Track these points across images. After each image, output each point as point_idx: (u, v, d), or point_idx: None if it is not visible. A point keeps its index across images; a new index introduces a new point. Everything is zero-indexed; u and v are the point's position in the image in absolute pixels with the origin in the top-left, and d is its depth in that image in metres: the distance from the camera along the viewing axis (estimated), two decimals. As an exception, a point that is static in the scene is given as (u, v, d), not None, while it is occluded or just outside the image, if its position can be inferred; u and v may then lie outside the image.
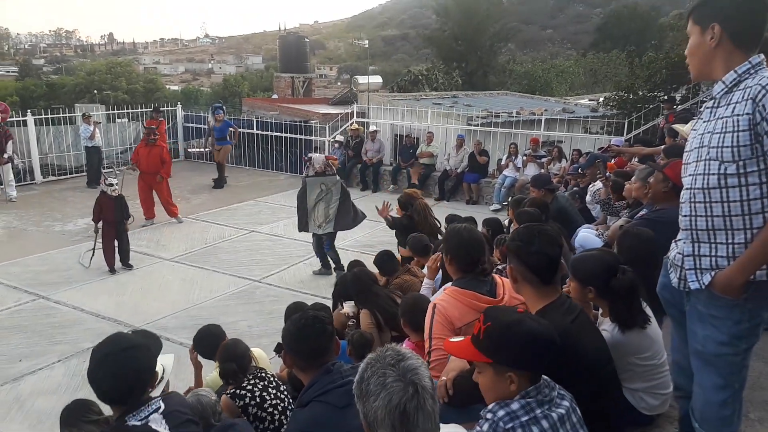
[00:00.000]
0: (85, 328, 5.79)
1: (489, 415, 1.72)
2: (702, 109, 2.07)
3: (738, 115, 1.84)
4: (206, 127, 13.72)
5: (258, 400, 2.90)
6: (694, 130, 2.06)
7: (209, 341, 3.47)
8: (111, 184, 7.22)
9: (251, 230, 9.29)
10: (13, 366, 5.03)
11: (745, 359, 2.00)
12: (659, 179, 3.65)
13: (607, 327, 2.51)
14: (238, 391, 2.93)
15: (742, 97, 1.85)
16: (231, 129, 13.11)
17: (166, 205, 9.61)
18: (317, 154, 7.69)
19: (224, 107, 14.01)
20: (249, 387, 2.95)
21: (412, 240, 4.92)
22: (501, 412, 1.70)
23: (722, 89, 1.94)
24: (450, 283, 2.72)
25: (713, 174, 1.91)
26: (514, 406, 1.70)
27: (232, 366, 3.01)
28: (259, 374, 3.05)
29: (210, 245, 8.46)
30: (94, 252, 7.35)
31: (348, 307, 3.85)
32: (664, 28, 30.57)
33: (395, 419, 1.38)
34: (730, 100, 1.90)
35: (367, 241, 8.84)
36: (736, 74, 1.90)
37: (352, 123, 13.92)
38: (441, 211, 6.85)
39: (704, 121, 2.01)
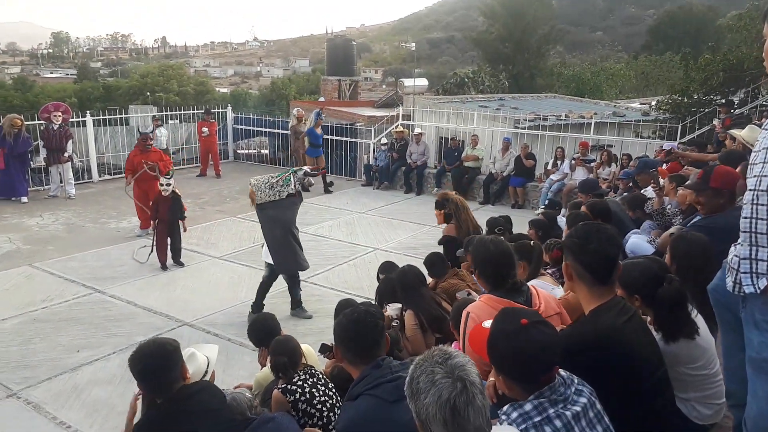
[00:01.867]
0: (138, 322, 5.99)
1: (503, 417, 1.74)
2: None
3: None
4: (289, 132, 13.56)
5: (308, 396, 2.94)
6: (766, 129, 1.99)
7: (263, 328, 3.55)
8: (162, 185, 7.45)
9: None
10: (71, 356, 5.25)
11: None
12: (711, 196, 3.52)
13: (654, 336, 2.45)
14: (289, 386, 2.98)
15: None
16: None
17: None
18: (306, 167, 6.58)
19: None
20: (299, 383, 2.99)
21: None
22: (514, 414, 1.72)
23: None
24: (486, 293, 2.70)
25: None
26: (527, 407, 1.72)
27: (283, 360, 3.06)
28: (309, 371, 3.10)
29: (257, 244, 8.61)
30: (152, 248, 7.59)
31: (391, 309, 3.86)
32: (722, 30, 29.54)
33: (446, 414, 1.41)
34: None
35: (410, 243, 8.85)
36: None
37: (397, 126, 13.96)
38: (486, 215, 6.77)
39: None
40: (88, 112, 13.10)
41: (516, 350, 1.73)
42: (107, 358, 5.25)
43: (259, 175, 6.34)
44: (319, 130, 12.46)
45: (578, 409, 1.73)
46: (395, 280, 3.93)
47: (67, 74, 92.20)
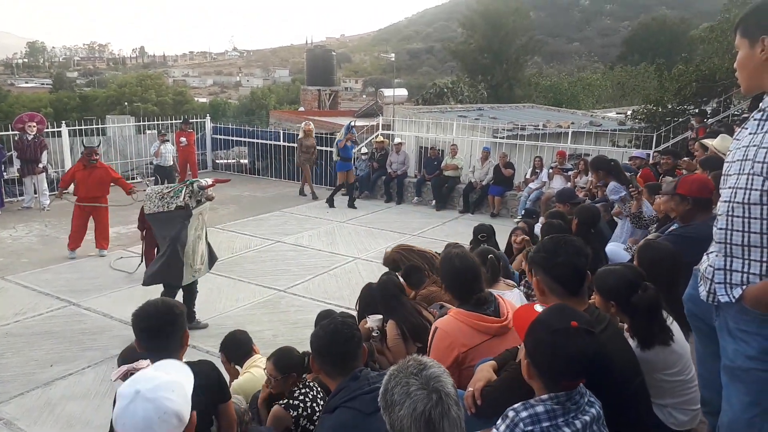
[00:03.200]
0: (113, 335, 5.88)
1: (511, 413, 1.71)
2: (749, 119, 2.02)
3: None
4: (296, 145, 13.14)
5: (309, 411, 2.85)
6: (737, 140, 2.01)
7: (236, 346, 3.50)
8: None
9: (277, 240, 9.37)
10: (44, 371, 5.13)
11: None
12: (677, 201, 3.59)
13: (630, 343, 2.48)
14: (291, 402, 2.87)
15: None
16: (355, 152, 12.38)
17: (102, 235, 8.49)
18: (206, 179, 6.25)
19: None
20: (301, 397, 2.89)
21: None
22: (524, 413, 1.69)
23: None
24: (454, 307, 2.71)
25: (755, 189, 1.86)
26: (539, 408, 1.69)
27: (293, 377, 2.95)
28: (307, 383, 3.00)
29: (236, 255, 8.56)
30: (141, 259, 7.45)
31: (372, 321, 3.82)
32: (694, 41, 30.22)
33: (421, 427, 1.39)
34: None
35: (391, 252, 8.83)
36: None
37: (377, 135, 13.99)
38: (465, 224, 6.80)
39: (750, 133, 1.95)
40: (63, 122, 12.93)
41: (552, 346, 1.70)
42: (82, 372, 5.14)
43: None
44: (349, 144, 11.99)
45: (587, 419, 1.72)
46: (375, 291, 3.91)
47: (43, 84, 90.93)
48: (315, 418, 2.84)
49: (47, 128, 11.72)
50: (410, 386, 1.43)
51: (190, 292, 6.13)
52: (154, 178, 12.10)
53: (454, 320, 2.57)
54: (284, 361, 2.98)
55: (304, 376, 3.07)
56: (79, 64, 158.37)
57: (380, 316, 3.79)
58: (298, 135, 13.11)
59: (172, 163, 12.42)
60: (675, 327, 2.52)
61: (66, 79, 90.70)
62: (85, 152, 8.36)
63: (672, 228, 3.96)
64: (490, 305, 2.63)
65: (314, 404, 2.89)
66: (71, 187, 8.47)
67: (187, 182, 6.01)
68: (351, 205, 11.88)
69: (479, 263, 2.85)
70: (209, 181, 6.10)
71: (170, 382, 1.71)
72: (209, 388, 2.33)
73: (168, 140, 12.28)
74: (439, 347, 2.52)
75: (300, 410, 2.83)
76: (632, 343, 2.46)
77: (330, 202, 11.84)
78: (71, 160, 12.69)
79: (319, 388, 3.03)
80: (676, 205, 3.60)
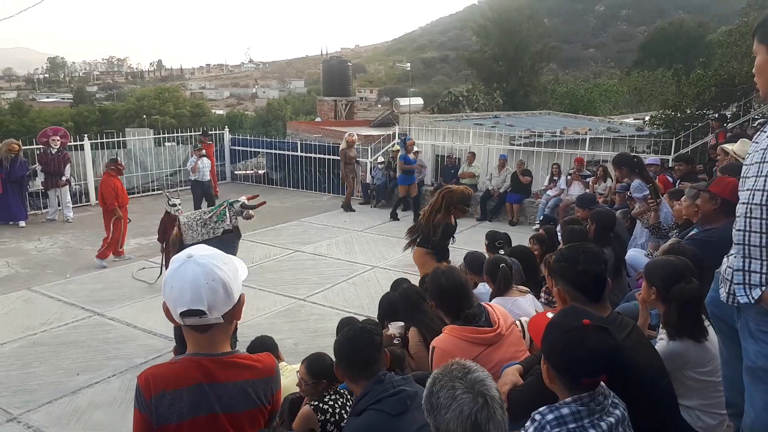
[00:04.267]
0: (138, 344, 5.97)
1: (537, 416, 1.74)
2: (767, 122, 2.04)
3: None
4: (339, 156, 12.78)
5: (337, 417, 2.87)
6: (756, 143, 2.03)
7: (263, 350, 3.54)
8: (174, 205, 7.44)
9: (296, 250, 9.44)
10: (71, 379, 5.22)
11: None
12: (706, 198, 3.59)
13: (662, 335, 2.50)
14: (321, 405, 2.89)
15: None
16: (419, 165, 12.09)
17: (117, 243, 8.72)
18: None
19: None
20: (331, 402, 2.92)
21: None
22: (550, 416, 1.71)
23: None
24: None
25: None
26: (564, 410, 1.71)
27: (324, 383, 2.98)
28: (339, 390, 3.02)
29: (256, 264, 8.62)
30: (161, 269, 7.56)
31: (393, 328, 3.85)
32: (712, 45, 29.90)
33: (467, 429, 1.41)
34: None
35: (408, 260, 8.82)
36: None
37: (394, 144, 14.05)
38: (483, 232, 6.79)
39: None
40: (85, 135, 13.16)
41: (567, 345, 1.73)
42: (107, 381, 5.22)
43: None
44: (412, 155, 11.67)
45: (612, 420, 1.74)
46: (397, 299, 3.95)
47: (64, 98, 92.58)
48: (343, 424, 2.84)
49: (70, 142, 11.94)
50: (456, 390, 1.45)
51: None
52: (191, 194, 11.65)
53: (450, 337, 2.65)
54: (316, 366, 3.02)
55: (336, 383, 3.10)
56: (98, 79, 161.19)
57: (402, 323, 3.81)
58: (339, 146, 12.91)
59: (209, 178, 11.86)
60: (711, 330, 2.52)
61: (86, 94, 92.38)
62: (118, 163, 8.84)
63: (693, 233, 3.95)
64: (480, 317, 2.71)
65: (343, 411, 2.90)
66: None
67: (227, 202, 5.65)
68: (394, 217, 11.56)
69: (466, 280, 2.93)
70: (244, 199, 5.74)
71: (225, 256, 1.73)
72: None
73: (204, 154, 11.68)
74: (439, 366, 2.57)
75: (328, 415, 2.85)
76: (662, 333, 2.48)
77: (393, 216, 11.55)
78: (93, 172, 12.92)
79: (349, 396, 3.04)
80: (704, 202, 3.59)
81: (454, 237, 6.31)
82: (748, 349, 2.00)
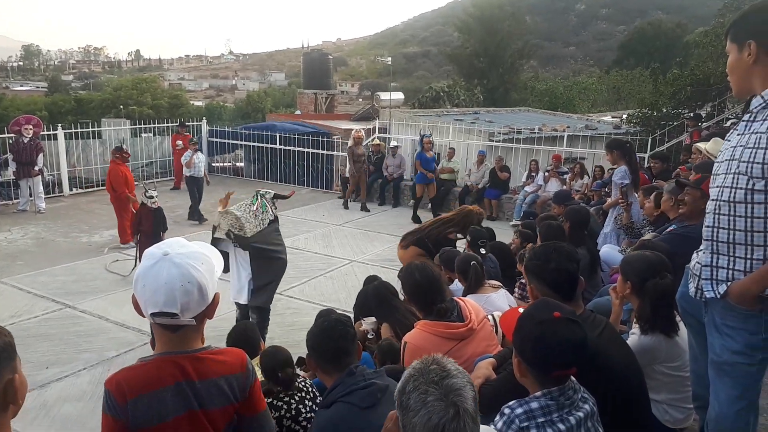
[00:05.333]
0: (109, 337, 5.88)
1: (507, 410, 1.74)
2: (739, 121, 2.07)
3: None
4: (346, 154, 12.37)
5: (293, 412, 2.83)
6: (728, 141, 2.06)
7: (243, 339, 3.48)
8: (151, 197, 7.33)
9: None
10: (40, 373, 5.12)
11: (760, 371, 2.00)
12: (697, 196, 3.60)
13: (634, 329, 2.54)
14: (275, 402, 2.84)
15: None
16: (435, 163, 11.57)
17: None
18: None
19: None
20: (287, 399, 2.88)
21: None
22: (519, 410, 1.72)
23: (760, 104, 1.93)
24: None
25: (740, 188, 1.91)
26: (534, 405, 1.72)
27: (276, 375, 2.92)
28: (298, 384, 2.97)
29: (232, 258, 8.54)
30: (136, 262, 7.44)
31: (367, 324, 3.85)
32: (689, 46, 30.40)
33: None
34: (767, 116, 1.90)
35: (386, 255, 8.85)
36: None
37: (374, 138, 14.02)
38: (462, 226, 6.83)
39: (738, 134, 2.01)
40: (59, 125, 12.91)
41: (538, 337, 1.74)
42: (77, 375, 5.13)
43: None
44: (429, 154, 11.29)
45: (581, 415, 1.75)
46: (369, 295, 3.94)
47: (38, 87, 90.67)
48: (301, 418, 2.83)
49: (43, 131, 11.70)
50: (428, 395, 1.38)
51: (266, 313, 5.70)
52: (187, 189, 11.27)
53: (422, 332, 2.65)
54: (269, 363, 2.98)
55: (299, 374, 3.06)
56: (74, 68, 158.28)
57: (374, 319, 3.82)
58: (347, 144, 12.51)
59: (203, 174, 11.39)
60: (683, 325, 2.56)
61: (61, 83, 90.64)
62: (124, 151, 9.04)
63: (671, 228, 3.99)
64: (452, 311, 2.71)
65: (300, 405, 2.87)
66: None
67: (259, 193, 5.71)
68: (415, 220, 10.90)
69: (439, 274, 2.93)
70: (271, 193, 5.82)
71: (202, 254, 1.66)
72: None
73: (200, 149, 11.36)
74: (411, 362, 2.56)
75: (283, 411, 2.82)
76: (634, 328, 2.51)
77: (415, 219, 10.99)
78: (67, 162, 12.68)
79: (311, 389, 3.01)
80: (694, 200, 3.61)
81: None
82: (714, 343, 2.04)
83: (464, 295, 3.73)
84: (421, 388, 1.39)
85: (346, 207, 12.14)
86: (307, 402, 2.90)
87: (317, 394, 3.00)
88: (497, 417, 1.75)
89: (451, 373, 1.42)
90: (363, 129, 13.16)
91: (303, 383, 3.00)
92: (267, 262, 5.43)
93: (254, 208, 5.52)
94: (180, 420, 1.61)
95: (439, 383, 1.39)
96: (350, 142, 12.26)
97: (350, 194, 12.28)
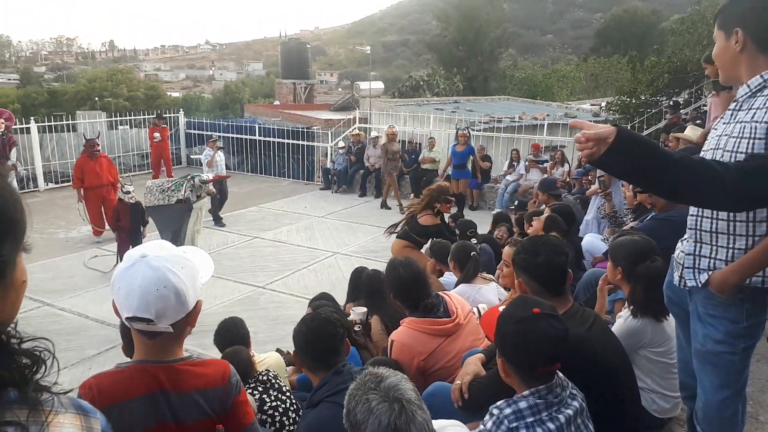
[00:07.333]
0: (90, 334, 5.79)
1: (495, 411, 1.74)
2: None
3: (757, 121, 1.82)
4: (380, 152, 11.70)
5: (258, 402, 2.86)
6: (714, 129, 2.06)
7: (230, 334, 3.43)
8: (128, 192, 7.20)
9: (254, 236, 9.30)
10: (18, 373, 5.02)
11: (744, 359, 2.01)
12: None
13: (622, 313, 2.55)
14: None
15: (764, 104, 1.83)
16: (472, 158, 10.90)
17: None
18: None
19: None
20: (249, 391, 2.88)
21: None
22: (507, 410, 1.72)
23: (746, 93, 1.92)
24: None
25: None
26: (522, 404, 1.71)
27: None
28: (260, 377, 3.00)
29: (214, 251, 8.44)
30: (117, 258, 7.31)
31: (355, 314, 3.82)
32: (666, 33, 30.67)
33: None
34: (752, 105, 1.88)
35: (370, 246, 8.84)
36: (762, 79, 1.87)
37: (354, 129, 13.94)
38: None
39: (724, 123, 2.00)
40: (32, 118, 12.63)
41: (519, 335, 1.73)
42: (56, 374, 5.03)
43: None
44: (459, 148, 10.76)
45: (570, 412, 1.74)
46: (361, 285, 3.91)
47: (9, 79, 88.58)
48: (266, 407, 2.83)
49: (15, 125, 11.42)
50: (371, 402, 1.43)
51: None
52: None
53: (409, 329, 2.64)
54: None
55: (267, 371, 3.05)
56: (46, 59, 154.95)
57: (364, 309, 3.78)
58: (380, 141, 12.03)
59: (224, 172, 10.77)
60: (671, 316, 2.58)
61: (33, 74, 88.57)
62: (87, 144, 8.82)
63: (653, 214, 4.03)
64: (438, 307, 2.70)
65: (264, 395, 2.88)
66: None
67: (189, 176, 6.08)
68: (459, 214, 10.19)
69: (424, 270, 2.93)
70: (210, 176, 6.27)
71: (182, 258, 1.59)
72: None
73: (222, 147, 10.74)
74: (398, 360, 2.56)
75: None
76: (625, 313, 2.51)
77: (458, 215, 10.58)
78: (41, 156, 12.42)
79: (275, 380, 3.00)
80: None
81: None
82: (697, 332, 2.05)
83: (456, 285, 3.72)
84: (362, 399, 1.45)
85: (387, 207, 11.32)
86: (271, 392, 2.94)
87: (282, 384, 3.04)
88: (486, 417, 1.74)
89: (384, 375, 1.50)
90: (316, 116, 12.91)
91: (267, 375, 3.01)
92: (160, 230, 6.07)
93: (167, 185, 6.09)
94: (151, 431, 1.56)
95: (377, 387, 1.46)
96: (383, 139, 11.85)
97: (387, 194, 11.66)
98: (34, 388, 0.87)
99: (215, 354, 3.61)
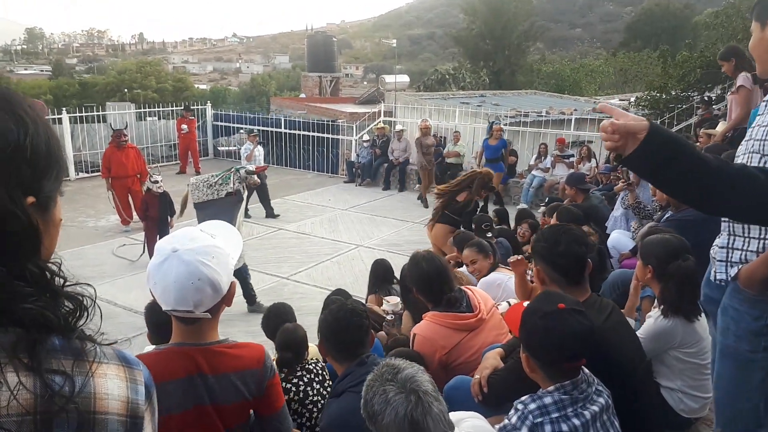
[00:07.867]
0: (119, 321, 5.89)
1: (520, 406, 1.73)
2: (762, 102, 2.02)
3: None
4: (414, 145, 11.51)
5: (301, 395, 2.81)
6: (749, 126, 2.02)
7: (275, 321, 3.38)
8: (156, 182, 7.32)
9: (279, 228, 9.37)
10: (49, 358, 5.15)
11: (765, 358, 1.96)
12: None
13: (652, 313, 2.50)
14: (285, 385, 2.78)
15: None
16: (503, 150, 10.70)
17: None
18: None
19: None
20: (295, 380, 2.84)
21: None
22: (532, 405, 1.71)
23: None
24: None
25: (753, 167, 1.87)
26: (547, 400, 1.70)
27: (288, 355, 2.87)
28: (307, 366, 2.92)
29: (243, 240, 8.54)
30: (144, 247, 7.45)
31: (389, 305, 3.76)
32: (698, 27, 30.00)
33: (406, 429, 1.41)
34: None
35: (393, 239, 8.84)
36: None
37: (379, 122, 13.94)
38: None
39: (759, 114, 1.97)
40: (64, 109, 12.88)
41: (544, 330, 1.72)
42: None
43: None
44: (492, 141, 10.63)
45: (596, 409, 1.73)
46: (405, 276, 3.86)
47: (42, 71, 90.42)
48: (307, 402, 2.80)
49: (48, 115, 11.66)
50: (388, 393, 1.45)
51: (243, 277, 5.97)
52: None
53: (431, 324, 2.63)
54: (282, 339, 2.94)
55: (317, 361, 3.00)
56: (78, 51, 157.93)
57: (398, 300, 3.75)
58: (414, 135, 11.84)
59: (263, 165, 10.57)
60: (703, 315, 2.53)
61: (65, 66, 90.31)
62: (114, 135, 8.99)
63: (668, 215, 3.98)
64: (461, 301, 2.69)
65: (308, 388, 2.83)
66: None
67: (234, 168, 6.03)
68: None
69: (447, 263, 2.93)
70: (253, 166, 6.26)
71: (212, 246, 1.61)
72: None
73: (261, 142, 10.69)
74: (420, 353, 2.55)
75: (291, 394, 2.77)
76: (654, 313, 2.47)
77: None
78: (72, 146, 12.67)
79: (320, 371, 2.96)
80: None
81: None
82: (720, 324, 2.01)
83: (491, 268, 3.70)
84: (379, 390, 1.48)
85: (425, 205, 10.81)
86: (315, 385, 2.88)
87: (327, 378, 2.97)
88: (511, 412, 1.73)
89: (401, 367, 1.52)
90: (342, 109, 12.84)
91: (313, 365, 2.96)
92: (209, 211, 5.69)
93: (213, 180, 5.89)
94: (189, 414, 1.59)
95: (393, 379, 1.48)
96: (417, 133, 11.74)
97: (425, 189, 11.31)
98: (78, 336, 0.87)
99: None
